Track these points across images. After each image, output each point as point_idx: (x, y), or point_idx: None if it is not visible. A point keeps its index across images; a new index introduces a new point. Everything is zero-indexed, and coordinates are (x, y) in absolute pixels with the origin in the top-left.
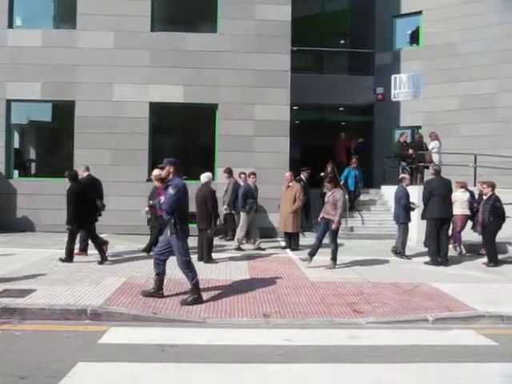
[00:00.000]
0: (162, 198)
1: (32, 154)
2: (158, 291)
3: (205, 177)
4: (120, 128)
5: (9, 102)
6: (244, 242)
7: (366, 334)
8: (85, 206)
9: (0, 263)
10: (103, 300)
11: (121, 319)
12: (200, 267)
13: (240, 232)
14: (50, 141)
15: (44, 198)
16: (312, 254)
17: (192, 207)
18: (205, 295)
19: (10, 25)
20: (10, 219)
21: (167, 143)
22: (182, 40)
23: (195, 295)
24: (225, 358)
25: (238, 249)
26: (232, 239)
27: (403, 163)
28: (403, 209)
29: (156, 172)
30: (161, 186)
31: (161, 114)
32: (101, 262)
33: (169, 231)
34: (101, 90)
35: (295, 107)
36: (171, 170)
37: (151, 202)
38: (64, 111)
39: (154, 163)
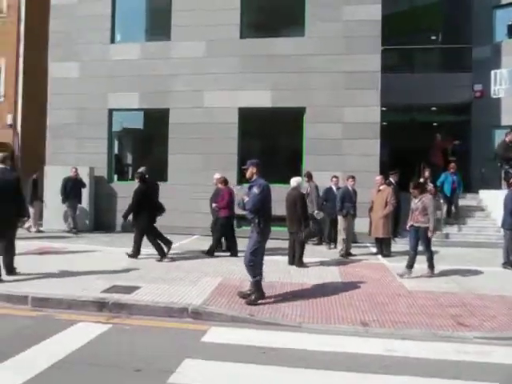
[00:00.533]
0: (246, 198)
1: (129, 159)
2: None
3: (295, 181)
4: (211, 133)
5: (110, 112)
6: (332, 246)
7: (475, 349)
8: (148, 206)
9: (105, 261)
10: (202, 300)
11: (219, 319)
12: (291, 271)
13: (340, 236)
14: (146, 147)
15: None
16: (410, 266)
17: (281, 211)
18: (299, 300)
19: (112, 40)
20: (111, 220)
21: (255, 147)
22: (270, 45)
23: (257, 293)
24: (326, 364)
25: (347, 254)
26: (320, 243)
27: (506, 166)
28: (510, 214)
29: (217, 175)
30: (223, 188)
31: (249, 118)
32: (160, 260)
33: (251, 229)
34: (193, 97)
35: (383, 108)
36: (254, 171)
37: (214, 204)
38: (159, 118)
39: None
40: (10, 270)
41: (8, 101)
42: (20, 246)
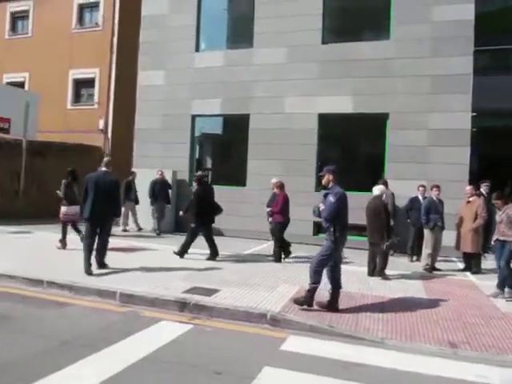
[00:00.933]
0: (322, 206)
1: (209, 164)
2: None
3: (377, 189)
4: (290, 139)
5: (193, 117)
6: (415, 258)
7: None
8: (206, 207)
9: (185, 262)
10: (281, 306)
11: (298, 328)
12: (371, 283)
13: (426, 250)
14: (225, 151)
15: (220, 204)
16: (502, 286)
17: (358, 219)
18: (381, 313)
19: (197, 49)
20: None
21: (334, 154)
22: (352, 50)
23: (307, 298)
24: None
25: (432, 269)
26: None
27: None
28: None
29: (274, 180)
30: (279, 193)
31: (329, 124)
32: (210, 258)
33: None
34: (273, 103)
35: (473, 113)
36: (330, 178)
37: (269, 208)
38: (239, 124)
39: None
40: (102, 264)
41: (101, 107)
42: None
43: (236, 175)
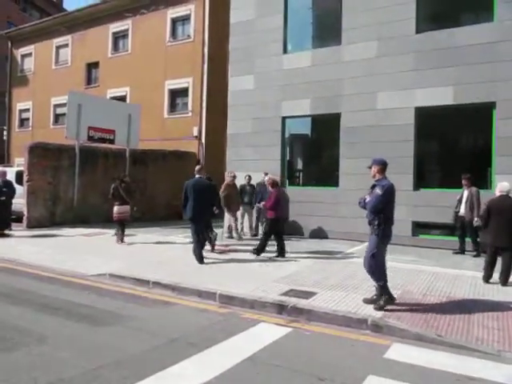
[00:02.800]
0: (368, 198)
1: (299, 165)
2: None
3: (506, 186)
4: (384, 136)
5: (283, 119)
6: None
7: None
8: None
9: (277, 264)
10: (382, 312)
11: (401, 335)
12: (484, 289)
13: None
14: (315, 152)
15: (312, 205)
16: None
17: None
18: (496, 323)
19: (285, 51)
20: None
21: (434, 150)
22: (450, 36)
23: (385, 298)
24: None
25: None
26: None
27: None
28: None
29: (267, 177)
30: (272, 190)
31: (427, 118)
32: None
33: (371, 231)
34: (365, 99)
35: None
36: (376, 170)
37: (261, 203)
38: (329, 123)
39: (419, 171)
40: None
41: (194, 115)
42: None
43: (328, 175)
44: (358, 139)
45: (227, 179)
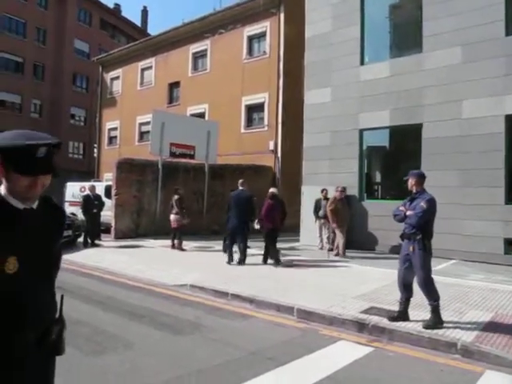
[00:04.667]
0: (409, 211)
1: (378, 178)
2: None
3: None
4: (470, 147)
5: (361, 132)
6: None
7: None
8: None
9: (359, 279)
10: (474, 336)
11: (496, 363)
12: None
13: None
14: (395, 164)
15: (391, 219)
16: None
17: None
18: None
19: (362, 62)
20: (364, 239)
21: None
22: None
23: (436, 319)
24: None
25: None
26: None
27: None
28: None
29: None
30: (267, 202)
31: None
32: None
33: (411, 247)
34: (449, 109)
35: None
36: (413, 183)
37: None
38: (410, 134)
39: (511, 183)
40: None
41: (270, 129)
42: None
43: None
44: (441, 151)
45: (336, 193)
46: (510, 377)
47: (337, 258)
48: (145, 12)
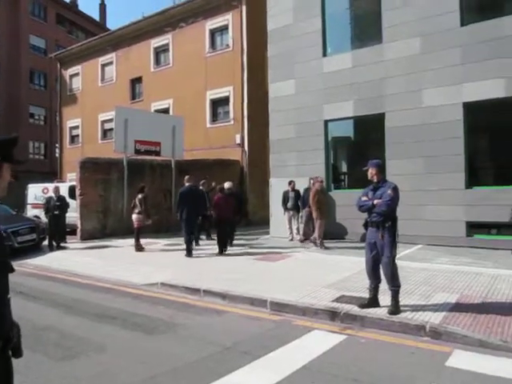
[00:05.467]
0: (376, 201)
1: (344, 168)
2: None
3: None
4: (431, 135)
5: (326, 123)
6: None
7: None
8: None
9: (331, 270)
10: (441, 317)
11: (463, 342)
12: None
13: None
14: (359, 154)
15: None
16: None
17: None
18: None
19: (324, 54)
20: (331, 227)
21: (486, 145)
22: (499, 26)
23: (398, 304)
24: None
25: None
26: None
27: None
28: None
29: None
30: (218, 196)
31: (477, 113)
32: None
33: (380, 235)
34: (410, 98)
35: None
36: (374, 172)
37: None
38: (373, 124)
39: (471, 168)
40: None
41: (236, 123)
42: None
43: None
44: (404, 139)
45: (316, 184)
46: (477, 355)
47: (314, 248)
48: (103, 6)
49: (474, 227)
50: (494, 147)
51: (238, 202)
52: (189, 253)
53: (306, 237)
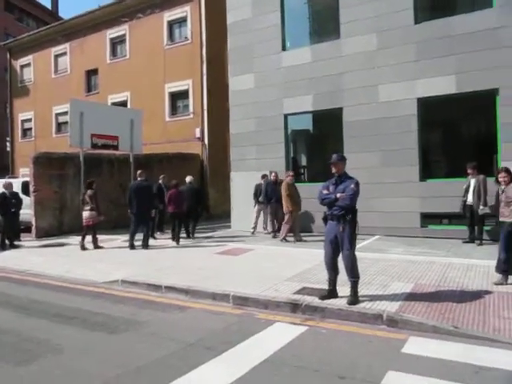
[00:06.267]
0: (339, 194)
1: (304, 161)
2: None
3: None
4: (388, 129)
5: (286, 117)
6: None
7: None
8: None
9: (293, 262)
10: (397, 306)
11: (418, 329)
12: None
13: None
14: (319, 147)
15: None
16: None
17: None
18: (511, 312)
19: (283, 48)
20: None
21: (438, 139)
22: (450, 25)
23: (356, 294)
24: None
25: None
26: None
27: None
28: None
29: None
30: (172, 191)
31: (430, 108)
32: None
33: (341, 228)
34: (367, 93)
35: None
36: (339, 166)
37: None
38: (333, 118)
39: (425, 161)
40: (146, 244)
41: (196, 116)
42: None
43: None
44: (361, 133)
45: (287, 178)
46: (431, 340)
47: (278, 240)
48: None
49: (427, 218)
50: (446, 141)
51: (197, 195)
52: (131, 247)
53: (274, 230)
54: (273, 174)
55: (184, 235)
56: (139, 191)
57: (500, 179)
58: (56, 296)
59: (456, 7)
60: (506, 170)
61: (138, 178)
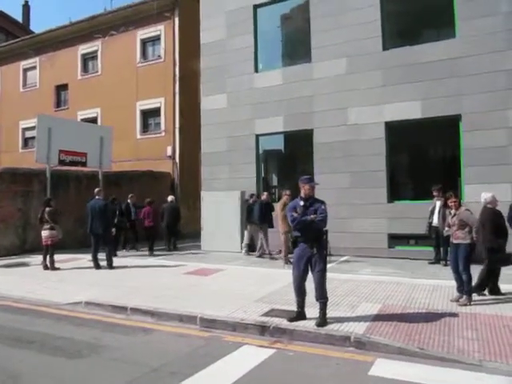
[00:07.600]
0: (313, 216)
1: (275, 181)
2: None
3: (490, 196)
4: (357, 151)
5: (257, 137)
6: None
7: None
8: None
9: (262, 283)
10: (365, 327)
11: (385, 350)
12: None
13: None
14: (290, 168)
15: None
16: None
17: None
18: (475, 333)
19: (256, 69)
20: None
21: (405, 162)
22: (416, 53)
23: (325, 315)
24: None
25: None
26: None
27: None
28: None
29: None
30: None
31: (398, 132)
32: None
33: (315, 249)
34: (337, 115)
35: None
36: (312, 189)
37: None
38: (303, 139)
39: (392, 183)
40: (111, 264)
41: (168, 135)
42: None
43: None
44: (331, 154)
45: (284, 197)
46: (398, 362)
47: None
48: (26, 7)
49: (395, 239)
50: (413, 164)
51: (177, 213)
52: (97, 267)
53: (263, 251)
54: (265, 194)
55: (147, 253)
56: (94, 210)
57: (451, 204)
58: (16, 319)
59: (422, 36)
60: (456, 196)
61: (96, 197)
